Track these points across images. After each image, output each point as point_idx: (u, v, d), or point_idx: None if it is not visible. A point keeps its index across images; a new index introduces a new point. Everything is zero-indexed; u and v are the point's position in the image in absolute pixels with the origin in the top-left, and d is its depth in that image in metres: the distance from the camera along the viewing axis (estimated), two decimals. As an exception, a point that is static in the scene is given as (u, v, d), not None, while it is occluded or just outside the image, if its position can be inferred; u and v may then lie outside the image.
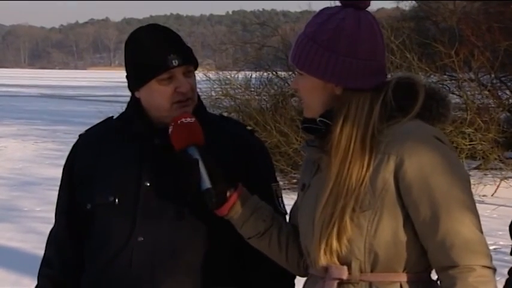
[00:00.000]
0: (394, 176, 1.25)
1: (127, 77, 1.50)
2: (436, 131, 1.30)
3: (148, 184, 1.44)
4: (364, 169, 1.26)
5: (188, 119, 1.41)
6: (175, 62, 1.42)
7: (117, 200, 1.45)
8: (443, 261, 1.21)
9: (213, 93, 8.81)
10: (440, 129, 1.32)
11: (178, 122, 1.40)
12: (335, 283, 1.28)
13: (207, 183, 1.38)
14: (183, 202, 1.43)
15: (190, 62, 1.46)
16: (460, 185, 1.24)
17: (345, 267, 1.28)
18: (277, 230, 1.41)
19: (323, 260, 1.28)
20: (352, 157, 1.27)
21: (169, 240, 1.42)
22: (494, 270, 1.23)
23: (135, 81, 1.47)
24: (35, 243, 4.42)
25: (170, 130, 1.41)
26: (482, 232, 1.23)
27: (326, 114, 1.31)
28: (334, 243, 1.26)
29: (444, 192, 1.23)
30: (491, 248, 5.80)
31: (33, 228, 5.16)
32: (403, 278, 1.27)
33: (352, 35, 1.29)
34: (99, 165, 1.50)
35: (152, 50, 1.43)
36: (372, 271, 1.27)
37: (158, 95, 1.44)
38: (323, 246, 1.27)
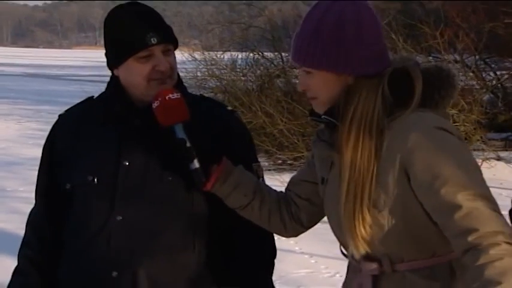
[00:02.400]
0: (404, 173, 1.25)
1: (106, 54, 1.49)
2: (438, 120, 1.27)
3: (127, 163, 1.44)
4: (372, 163, 1.27)
5: (175, 95, 1.40)
6: (154, 40, 1.41)
7: (96, 180, 1.45)
8: (465, 244, 1.19)
9: (199, 74, 8.77)
10: (443, 117, 1.29)
11: (166, 97, 1.39)
12: (370, 277, 1.31)
13: (195, 162, 1.37)
14: (162, 182, 1.43)
15: (169, 40, 1.45)
16: (469, 172, 1.22)
17: (375, 263, 1.30)
18: (258, 203, 1.45)
19: (361, 251, 1.30)
20: (362, 149, 1.27)
21: (149, 220, 1.42)
22: None
23: (113, 59, 1.46)
24: (17, 224, 4.40)
25: (156, 105, 1.39)
26: (502, 215, 1.21)
27: (330, 111, 1.32)
28: (363, 233, 1.28)
29: (454, 184, 1.20)
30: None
31: (16, 208, 5.14)
32: (435, 261, 1.28)
33: (355, 23, 1.29)
34: (78, 145, 1.49)
35: (131, 28, 1.42)
36: (402, 262, 1.29)
37: (136, 73, 1.43)
38: (354, 237, 1.28)
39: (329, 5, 1.31)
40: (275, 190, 1.50)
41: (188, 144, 1.38)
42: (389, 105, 1.28)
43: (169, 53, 1.46)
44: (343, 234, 1.32)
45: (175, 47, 1.48)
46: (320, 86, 1.32)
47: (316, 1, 1.34)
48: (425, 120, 1.26)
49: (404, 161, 1.24)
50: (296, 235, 1.50)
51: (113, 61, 1.47)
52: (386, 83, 1.28)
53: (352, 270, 1.38)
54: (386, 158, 1.26)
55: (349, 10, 1.30)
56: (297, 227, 1.48)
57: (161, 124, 1.40)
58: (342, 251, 1.40)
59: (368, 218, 1.27)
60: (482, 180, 1.24)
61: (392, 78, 1.29)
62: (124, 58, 1.43)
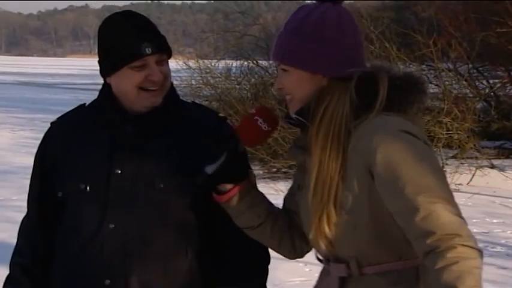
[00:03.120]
0: (369, 175, 1.26)
1: (99, 62, 1.49)
2: (404, 124, 1.28)
3: (119, 171, 1.44)
4: (338, 166, 1.29)
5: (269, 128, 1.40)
6: (148, 50, 1.42)
7: (88, 187, 1.45)
8: (425, 247, 1.21)
9: (194, 82, 8.77)
10: (412, 122, 1.30)
11: (257, 119, 1.38)
12: (338, 280, 1.33)
13: (210, 169, 1.36)
14: (154, 190, 1.43)
15: (163, 50, 1.46)
16: (432, 175, 1.24)
17: (343, 265, 1.31)
18: (270, 224, 1.43)
19: (321, 246, 1.31)
20: (330, 148, 1.29)
21: (141, 228, 1.42)
22: (480, 251, 1.20)
23: (107, 67, 1.47)
24: (10, 232, 4.36)
25: (247, 123, 1.39)
26: (462, 218, 1.22)
27: (300, 112, 1.34)
28: (326, 229, 1.29)
29: (415, 186, 1.22)
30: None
31: (9, 217, 5.11)
32: (401, 265, 1.29)
33: (335, 25, 1.33)
34: (70, 153, 1.49)
35: (126, 37, 1.42)
36: (369, 265, 1.30)
37: (128, 81, 1.44)
38: (317, 233, 1.30)
39: (313, 7, 1.35)
40: (284, 211, 1.46)
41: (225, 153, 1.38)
42: (355, 108, 1.30)
43: (163, 62, 1.46)
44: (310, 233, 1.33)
45: (169, 56, 1.49)
46: (294, 85, 1.34)
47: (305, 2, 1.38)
48: (389, 123, 1.28)
49: (368, 162, 1.25)
50: (302, 256, 1.48)
51: (107, 69, 1.47)
52: (353, 86, 1.30)
53: (324, 273, 1.39)
54: (352, 159, 1.28)
55: (330, 13, 1.34)
56: (305, 248, 1.46)
57: (248, 140, 1.39)
58: (317, 256, 1.41)
59: (333, 216, 1.28)
60: (445, 183, 1.25)
61: (361, 82, 1.31)
62: (118, 67, 1.44)
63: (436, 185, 1.23)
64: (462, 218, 1.22)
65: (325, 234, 1.29)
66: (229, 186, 1.40)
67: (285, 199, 1.48)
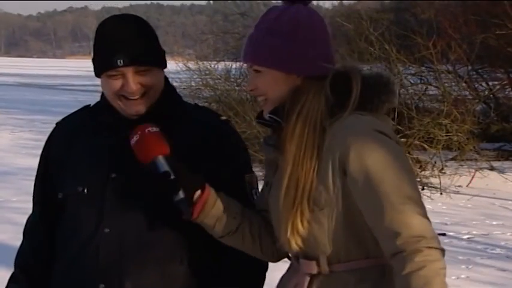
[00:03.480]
0: (342, 172, 1.27)
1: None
2: (377, 123, 1.29)
3: (115, 176, 1.44)
4: (314, 161, 1.29)
5: (154, 129, 1.38)
6: (120, 62, 1.41)
7: (85, 190, 1.45)
8: (392, 248, 1.24)
9: (193, 84, 8.77)
10: (383, 121, 1.32)
11: (146, 131, 1.37)
12: (307, 277, 1.33)
13: (180, 194, 1.35)
14: (150, 194, 1.42)
15: (139, 62, 1.43)
16: (402, 176, 1.26)
17: (314, 262, 1.32)
18: (248, 223, 1.42)
19: (292, 246, 1.31)
20: (305, 146, 1.30)
21: (136, 233, 1.42)
22: (442, 251, 1.24)
23: (94, 70, 1.48)
24: (10, 234, 4.37)
25: (135, 140, 1.38)
26: (427, 218, 1.25)
27: (275, 111, 1.34)
28: (299, 227, 1.29)
29: (386, 185, 1.24)
30: (465, 237, 5.90)
31: (9, 218, 5.10)
32: (368, 263, 1.31)
33: (308, 25, 1.34)
34: (71, 155, 1.50)
35: (104, 46, 1.44)
36: (338, 262, 1.31)
37: (107, 88, 1.45)
38: (289, 231, 1.30)
39: (284, 9, 1.36)
40: (256, 211, 1.45)
41: (172, 176, 1.34)
42: (331, 106, 1.31)
43: (144, 73, 1.42)
44: (279, 231, 1.33)
45: (159, 65, 1.47)
46: (268, 85, 1.34)
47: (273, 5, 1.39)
48: (362, 122, 1.29)
49: (342, 159, 1.27)
50: (285, 256, 1.45)
51: (95, 72, 1.49)
52: (328, 85, 1.31)
53: (292, 270, 1.38)
54: (326, 157, 1.29)
55: (302, 13, 1.35)
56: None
57: (142, 161, 1.38)
58: (287, 254, 1.40)
59: (307, 213, 1.29)
60: (414, 184, 1.27)
61: (335, 80, 1.32)
62: (99, 73, 1.46)
63: (405, 186, 1.25)
64: (428, 218, 1.25)
65: (297, 232, 1.29)
66: (196, 194, 1.37)
67: (256, 200, 1.47)
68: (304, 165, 1.29)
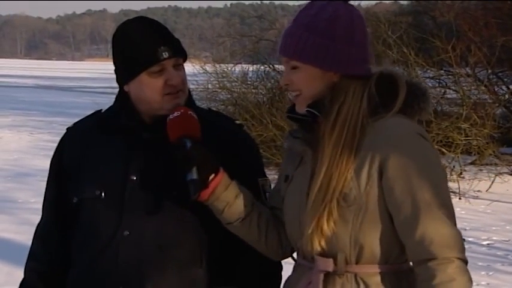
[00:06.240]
0: (378, 172, 1.27)
1: (115, 70, 1.49)
2: (418, 127, 1.31)
3: (134, 178, 1.44)
4: (351, 161, 1.29)
5: (194, 114, 1.42)
6: (165, 54, 1.41)
7: (103, 194, 1.45)
8: (422, 254, 1.24)
9: (210, 86, 8.80)
10: (421, 125, 1.34)
11: (188, 112, 1.40)
12: (322, 275, 1.31)
13: (193, 174, 1.36)
14: (170, 197, 1.42)
15: (180, 54, 1.46)
16: (439, 184, 1.27)
17: (331, 260, 1.30)
18: (257, 215, 1.42)
19: (315, 245, 1.30)
20: (343, 146, 1.29)
21: (156, 235, 1.42)
22: (466, 262, 1.26)
23: (124, 75, 1.46)
24: (29, 235, 4.40)
25: (173, 115, 1.39)
26: (456, 226, 1.27)
27: (313, 105, 1.33)
28: (325, 226, 1.29)
29: (425, 192, 1.25)
30: (484, 243, 5.82)
31: (27, 219, 5.15)
32: (386, 269, 1.31)
33: (347, 23, 1.33)
34: (86, 159, 1.49)
35: (142, 43, 1.42)
36: (356, 263, 1.30)
37: (149, 88, 1.43)
38: (314, 229, 1.29)
39: (323, 5, 1.35)
40: (268, 207, 1.44)
41: (192, 156, 1.36)
42: (374, 106, 1.30)
43: (179, 67, 1.46)
44: (301, 230, 1.31)
45: (185, 60, 1.49)
46: (304, 82, 1.33)
47: (310, 1, 1.37)
48: (406, 124, 1.30)
49: (382, 160, 1.27)
50: (289, 256, 1.44)
51: (124, 77, 1.47)
52: (373, 85, 1.30)
53: (300, 271, 1.36)
54: (365, 155, 1.28)
55: (342, 10, 1.34)
56: (290, 246, 1.42)
57: (173, 135, 1.39)
58: (291, 256, 1.40)
59: (335, 212, 1.28)
60: (448, 192, 1.29)
61: (380, 81, 1.32)
62: (136, 73, 1.43)
63: (443, 193, 1.27)
64: (456, 225, 1.26)
65: (322, 231, 1.29)
66: (210, 178, 1.37)
67: (269, 197, 1.46)
68: (339, 166, 1.29)
